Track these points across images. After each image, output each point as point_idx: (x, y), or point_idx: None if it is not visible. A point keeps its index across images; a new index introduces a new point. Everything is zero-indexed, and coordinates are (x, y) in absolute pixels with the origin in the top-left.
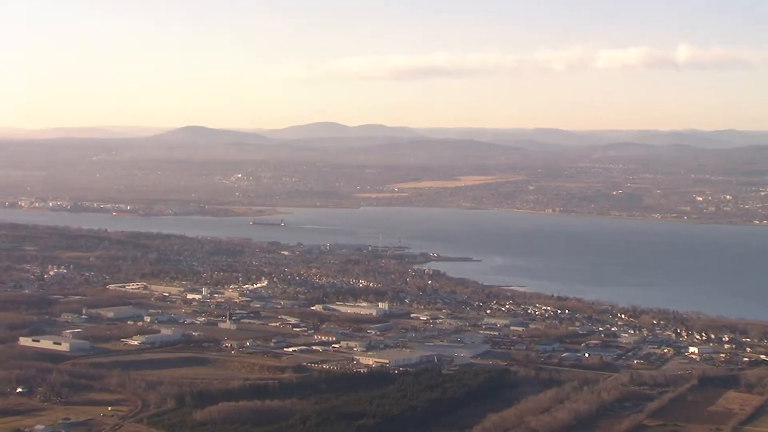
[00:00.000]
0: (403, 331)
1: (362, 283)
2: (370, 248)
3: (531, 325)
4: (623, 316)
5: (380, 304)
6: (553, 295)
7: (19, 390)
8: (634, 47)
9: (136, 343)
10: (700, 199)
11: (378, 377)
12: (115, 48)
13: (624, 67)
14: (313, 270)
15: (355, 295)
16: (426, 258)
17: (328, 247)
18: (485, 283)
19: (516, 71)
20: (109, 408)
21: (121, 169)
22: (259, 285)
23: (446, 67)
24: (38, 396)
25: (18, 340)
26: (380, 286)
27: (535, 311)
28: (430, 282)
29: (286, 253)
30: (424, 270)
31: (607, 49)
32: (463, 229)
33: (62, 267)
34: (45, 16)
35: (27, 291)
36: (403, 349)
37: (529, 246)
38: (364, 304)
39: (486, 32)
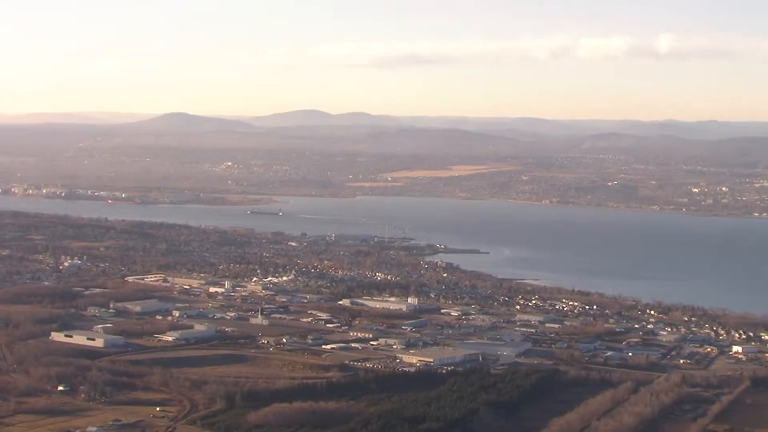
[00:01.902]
0: (438, 327)
1: (379, 275)
2: (376, 239)
3: (566, 322)
4: (653, 312)
5: (409, 299)
6: (573, 290)
7: (60, 388)
8: (616, 36)
9: (170, 339)
10: (696, 190)
11: (426, 377)
12: (93, 34)
13: (606, 57)
14: (325, 262)
15: (378, 289)
16: (434, 250)
17: (333, 238)
18: (500, 277)
19: (498, 59)
20: (158, 408)
21: (109, 155)
22: (285, 278)
23: (428, 56)
24: (82, 395)
25: (49, 335)
26: (399, 279)
27: (563, 307)
28: (445, 275)
29: (293, 244)
30: (437, 262)
31: (589, 38)
32: (464, 219)
33: (75, 258)
34: (21, 2)
35: (47, 283)
36: (446, 347)
37: (534, 238)
38: (393, 299)
39: (468, 20)
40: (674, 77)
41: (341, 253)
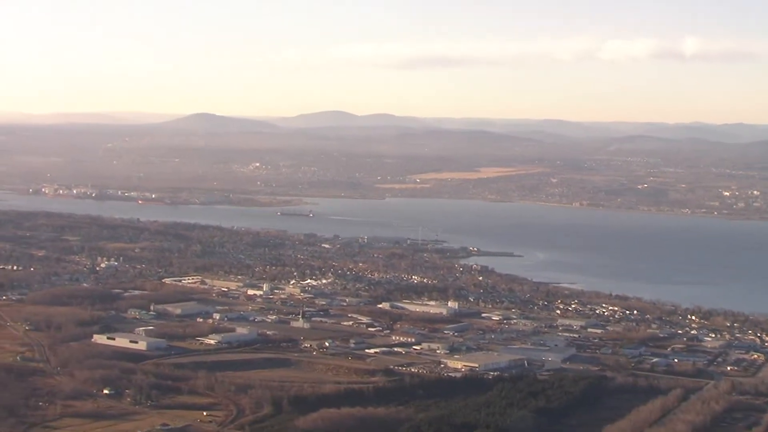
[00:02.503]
0: (480, 332)
1: (415, 278)
2: (408, 241)
3: (608, 327)
4: (694, 317)
5: (450, 303)
6: (611, 294)
7: (106, 392)
8: (641, 38)
9: (212, 342)
10: (727, 194)
11: (473, 383)
12: (116, 33)
13: (631, 59)
14: (360, 264)
15: (416, 292)
16: (467, 253)
17: (366, 240)
18: (536, 280)
19: (521, 61)
20: (204, 413)
21: (137, 156)
22: (324, 281)
23: (451, 57)
24: (128, 399)
25: (91, 337)
26: (436, 282)
27: (603, 311)
28: (481, 278)
29: (326, 246)
30: (472, 266)
31: (613, 40)
32: (495, 222)
33: (111, 259)
34: (46, 1)
35: (85, 285)
36: (490, 352)
37: (567, 240)
38: (432, 302)
39: (491, 21)
40: (699, 80)
41: (375, 255)
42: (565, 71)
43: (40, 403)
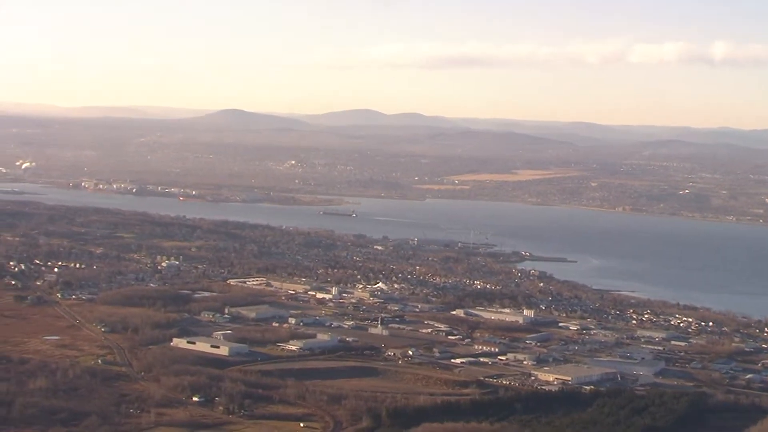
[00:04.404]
0: (563, 342)
1: (477, 284)
2: (460, 245)
3: (691, 340)
4: None
5: (524, 311)
6: (678, 304)
7: (195, 399)
8: (670, 42)
9: (294, 348)
10: None
11: (569, 397)
12: (146, 28)
13: (659, 63)
14: (417, 268)
15: (485, 298)
16: (520, 257)
17: (416, 243)
18: (595, 288)
19: (550, 63)
20: (301, 425)
21: (171, 151)
22: (396, 285)
23: (479, 57)
24: (220, 407)
25: (170, 340)
26: (500, 288)
27: (678, 322)
28: (541, 284)
29: (379, 248)
30: (530, 271)
31: (642, 44)
32: (540, 225)
33: (171, 258)
34: None
35: (152, 285)
36: (579, 364)
37: (618, 246)
38: (507, 310)
39: (520, 23)
40: (728, 84)
41: (430, 258)
42: (593, 74)
43: (131, 410)
